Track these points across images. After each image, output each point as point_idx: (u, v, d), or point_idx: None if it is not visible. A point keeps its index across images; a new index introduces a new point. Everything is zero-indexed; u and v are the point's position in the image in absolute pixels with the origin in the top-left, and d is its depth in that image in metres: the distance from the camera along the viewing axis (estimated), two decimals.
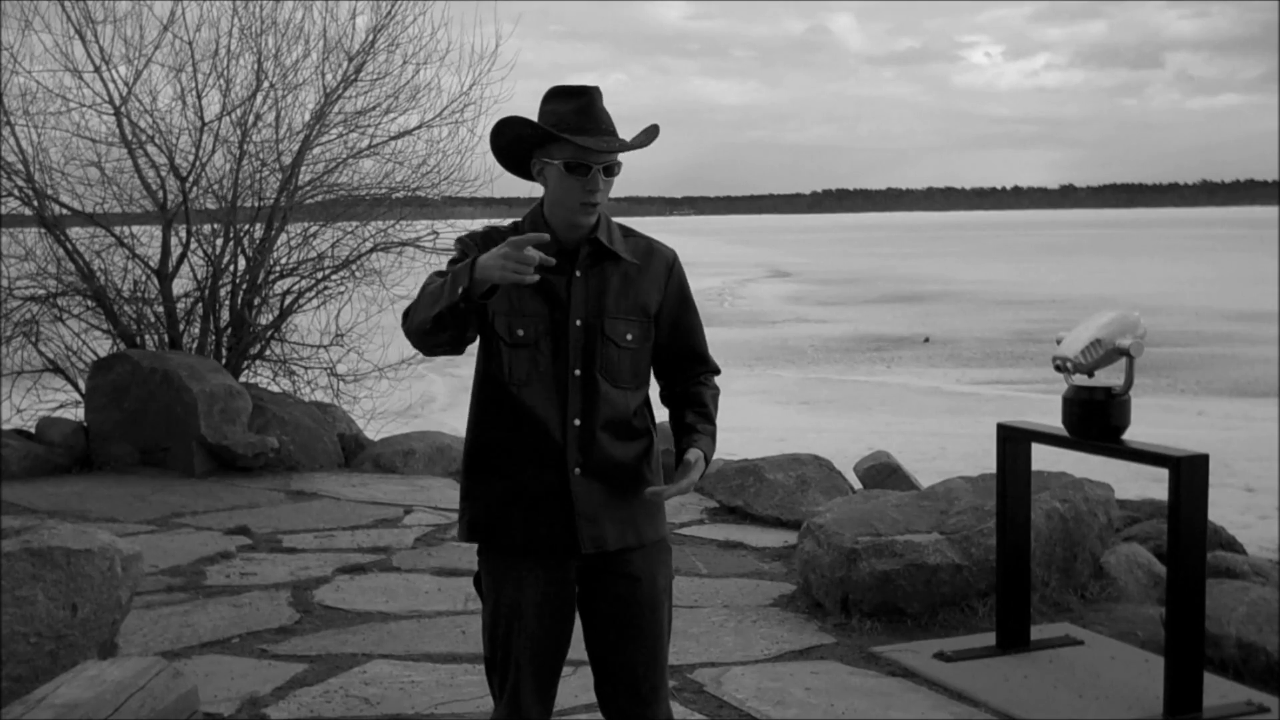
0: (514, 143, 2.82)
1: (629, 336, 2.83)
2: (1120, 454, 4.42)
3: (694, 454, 2.82)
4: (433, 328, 2.62)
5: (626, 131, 2.83)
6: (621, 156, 2.79)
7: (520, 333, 2.77)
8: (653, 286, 2.88)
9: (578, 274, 2.80)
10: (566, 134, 2.72)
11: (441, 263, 3.50)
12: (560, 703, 3.08)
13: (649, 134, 2.83)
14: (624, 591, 2.86)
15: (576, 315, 2.80)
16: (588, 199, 2.74)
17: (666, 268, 2.91)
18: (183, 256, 9.41)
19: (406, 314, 2.74)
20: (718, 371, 3.03)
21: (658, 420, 2.99)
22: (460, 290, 2.55)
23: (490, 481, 2.83)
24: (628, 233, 2.91)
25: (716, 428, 2.95)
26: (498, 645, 2.86)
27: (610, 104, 2.80)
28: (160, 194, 9.35)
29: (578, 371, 2.79)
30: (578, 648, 2.94)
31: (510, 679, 2.84)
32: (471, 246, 2.79)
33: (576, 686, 4.04)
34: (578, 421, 2.79)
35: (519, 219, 2.88)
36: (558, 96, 2.79)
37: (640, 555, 2.88)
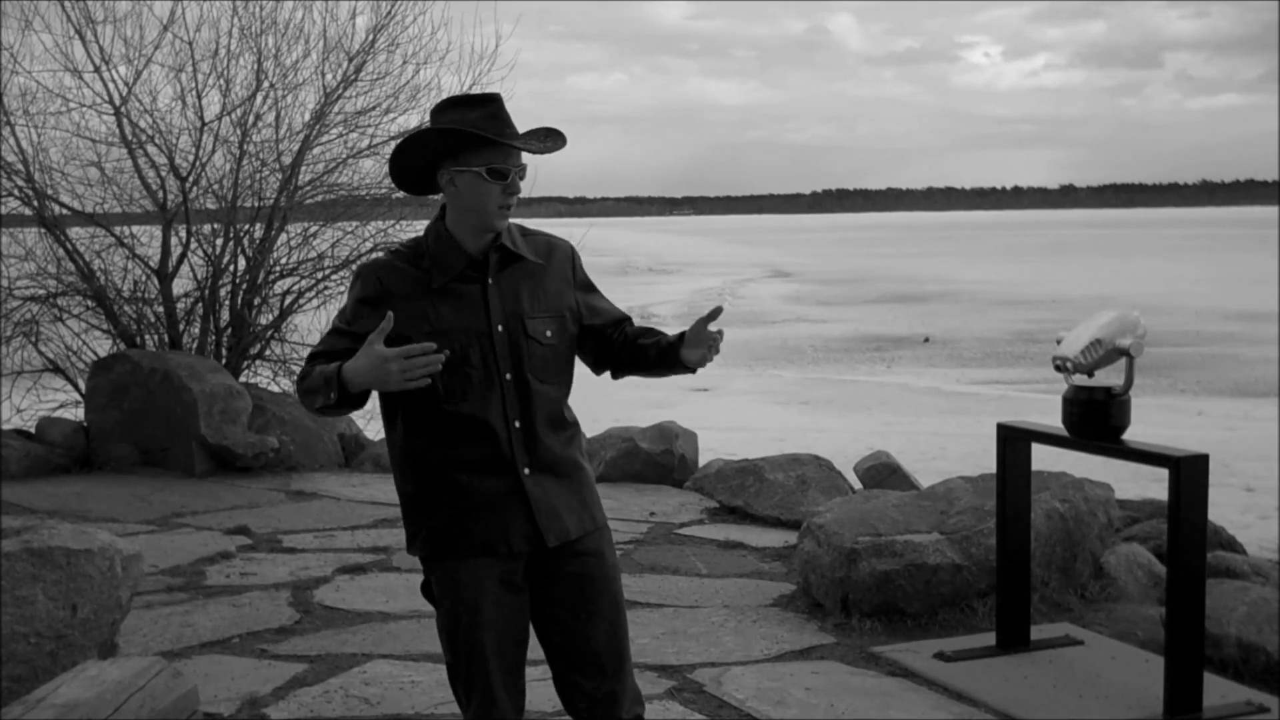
0: (420, 156, 2.81)
1: (549, 334, 2.88)
2: (1120, 454, 4.42)
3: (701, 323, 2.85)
4: (319, 411, 2.80)
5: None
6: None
7: (448, 350, 2.74)
8: (562, 282, 2.94)
9: (490, 281, 2.84)
10: (496, 138, 2.71)
11: None
12: (556, 703, 3.08)
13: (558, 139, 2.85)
14: (577, 570, 2.90)
15: (497, 321, 2.83)
16: (506, 202, 2.78)
17: (569, 261, 2.98)
18: (183, 256, 9.42)
19: (302, 377, 2.82)
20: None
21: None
22: (333, 396, 2.70)
23: (445, 494, 2.85)
24: (525, 232, 2.95)
25: None
26: (459, 645, 2.87)
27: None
28: (160, 194, 9.36)
29: (509, 375, 2.83)
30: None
31: (479, 676, 2.85)
32: (372, 283, 2.83)
33: None
34: (518, 423, 2.83)
35: (419, 235, 2.90)
36: (460, 105, 2.79)
37: (589, 536, 2.93)
